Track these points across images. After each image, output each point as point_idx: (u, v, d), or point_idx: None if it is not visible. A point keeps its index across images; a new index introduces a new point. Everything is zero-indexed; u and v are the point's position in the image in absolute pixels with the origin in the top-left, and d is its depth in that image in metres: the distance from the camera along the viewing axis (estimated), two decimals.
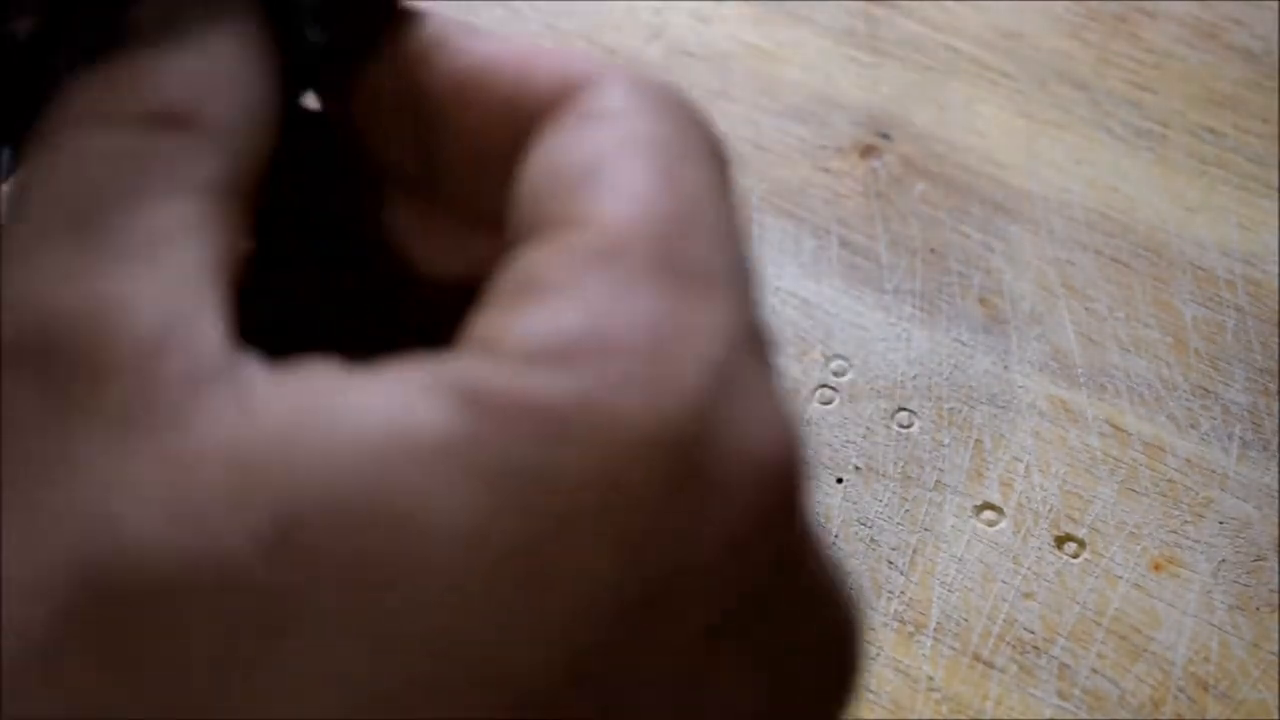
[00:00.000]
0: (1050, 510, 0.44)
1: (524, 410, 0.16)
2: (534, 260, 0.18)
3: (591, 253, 0.17)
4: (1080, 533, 0.44)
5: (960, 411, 0.46)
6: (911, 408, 0.46)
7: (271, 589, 0.16)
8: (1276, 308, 0.48)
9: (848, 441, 0.46)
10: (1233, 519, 0.44)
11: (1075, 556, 0.44)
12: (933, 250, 0.49)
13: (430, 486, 0.16)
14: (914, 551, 0.43)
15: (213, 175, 0.19)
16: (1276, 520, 0.44)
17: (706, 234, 0.18)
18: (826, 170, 0.51)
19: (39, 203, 0.18)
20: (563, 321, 0.17)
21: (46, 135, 0.19)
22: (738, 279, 0.18)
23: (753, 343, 0.17)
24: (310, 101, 0.23)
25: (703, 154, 0.19)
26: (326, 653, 0.16)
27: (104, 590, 0.16)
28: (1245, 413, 0.46)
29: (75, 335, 0.17)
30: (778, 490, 0.17)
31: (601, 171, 0.18)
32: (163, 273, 0.18)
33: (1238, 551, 0.44)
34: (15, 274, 0.17)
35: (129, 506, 0.16)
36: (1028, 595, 0.43)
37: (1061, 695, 0.41)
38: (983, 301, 0.48)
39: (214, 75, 0.20)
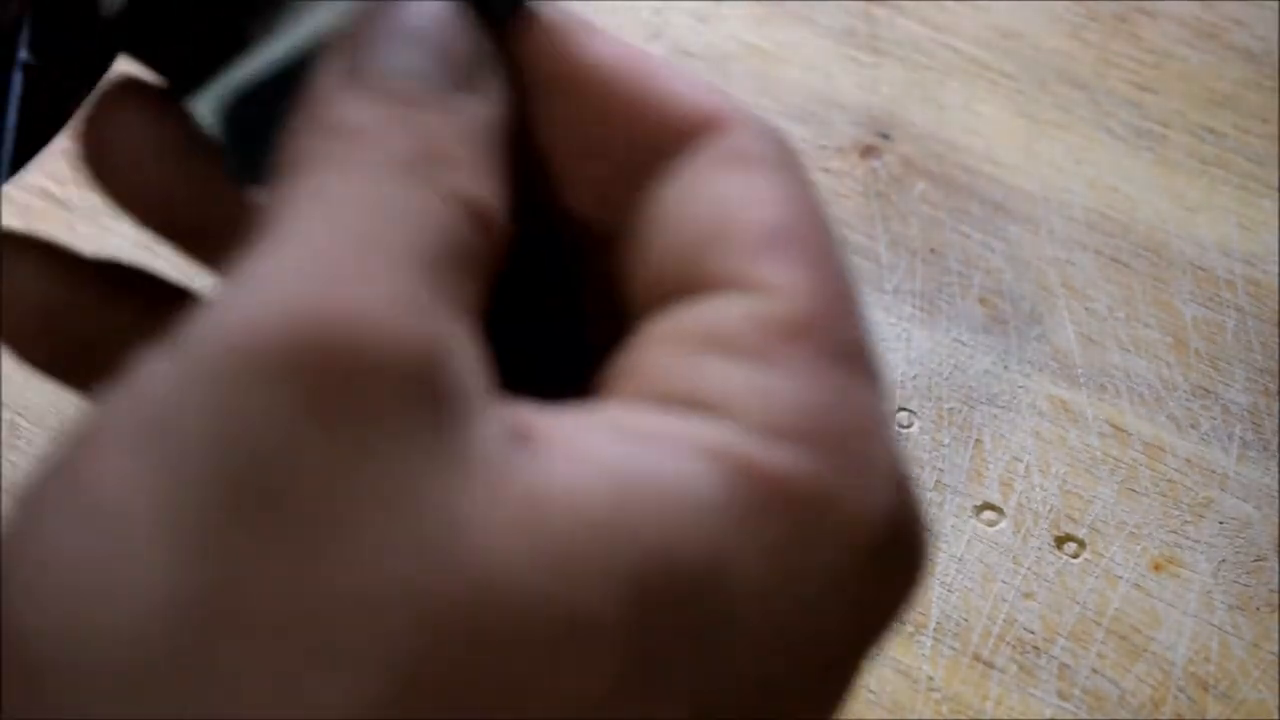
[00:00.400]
0: (1050, 510, 0.44)
1: (786, 491, 0.18)
2: (723, 316, 0.19)
3: (786, 326, 0.19)
4: (1080, 533, 0.44)
5: (960, 411, 0.46)
6: (911, 408, 0.46)
7: (628, 645, 0.17)
8: (1276, 308, 0.48)
9: None
10: (1233, 519, 0.44)
11: (1075, 556, 0.44)
12: (933, 250, 0.49)
13: (731, 553, 0.17)
14: None
15: (475, 239, 0.19)
16: (1276, 520, 0.44)
17: (859, 311, 0.20)
18: (826, 170, 0.51)
19: (322, 219, 0.18)
20: (788, 399, 0.18)
21: (311, 157, 0.19)
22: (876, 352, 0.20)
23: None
24: None
25: (825, 218, 0.21)
26: (670, 706, 0.17)
27: (449, 626, 0.16)
28: (1245, 413, 0.46)
29: (405, 367, 0.17)
30: (924, 558, 0.20)
31: (777, 238, 0.19)
32: (456, 312, 0.18)
33: (1238, 551, 0.44)
34: (330, 286, 0.17)
35: (480, 546, 0.16)
36: (1028, 595, 0.43)
37: (1061, 695, 0.41)
38: (983, 301, 0.48)
39: (472, 130, 0.20)
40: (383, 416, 0.16)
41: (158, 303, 0.24)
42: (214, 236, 0.23)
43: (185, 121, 0.23)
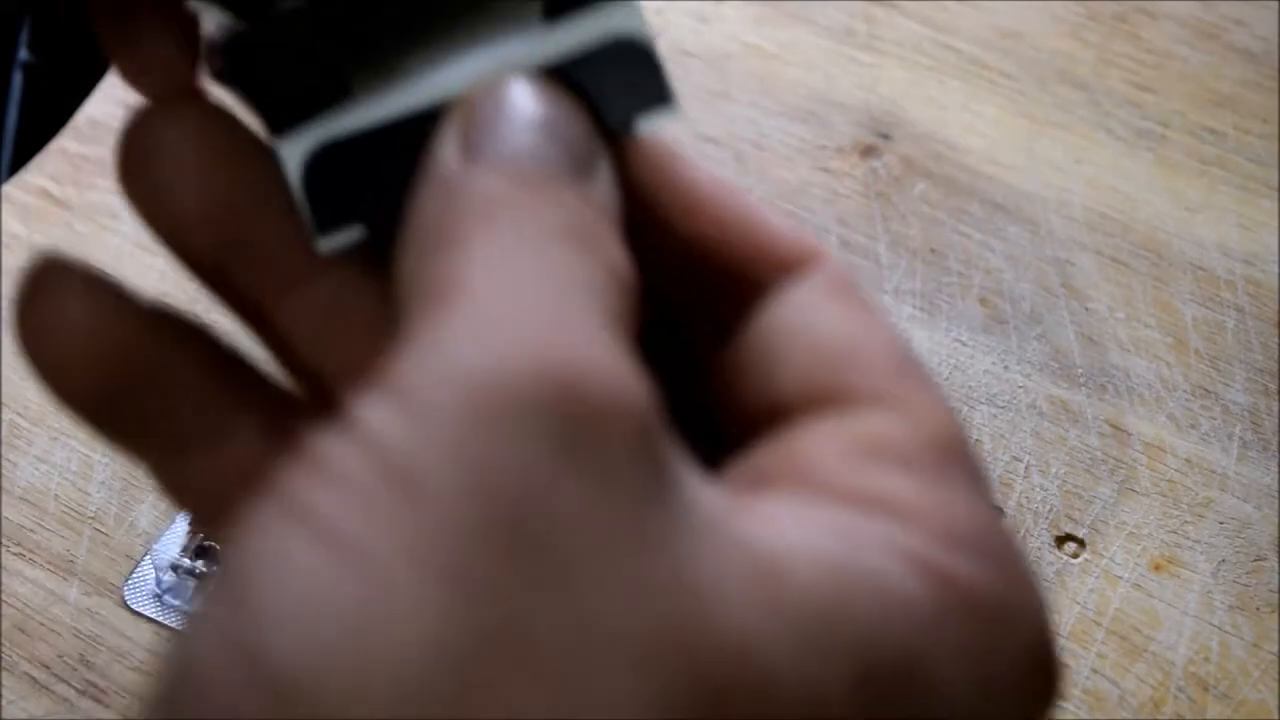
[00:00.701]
0: (1050, 510, 0.44)
1: (973, 598, 0.20)
2: (885, 430, 0.21)
3: (942, 445, 0.21)
4: (1080, 533, 0.44)
5: (960, 411, 0.46)
6: None
7: None
8: (1276, 308, 0.48)
9: None
10: (1233, 519, 0.44)
11: (1075, 556, 0.44)
12: (933, 250, 0.49)
13: (931, 651, 0.19)
14: None
15: (621, 299, 0.20)
16: (1276, 520, 0.44)
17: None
18: (826, 170, 0.51)
19: (512, 280, 0.19)
20: (961, 512, 0.20)
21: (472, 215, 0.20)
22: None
23: None
24: None
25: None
26: None
27: (703, 685, 0.17)
28: (1245, 413, 0.46)
29: (633, 420, 0.18)
30: None
31: (906, 363, 0.22)
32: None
33: (1238, 551, 0.44)
34: (516, 331, 0.18)
35: (724, 613, 0.18)
36: None
37: (1061, 695, 0.41)
38: (983, 301, 0.48)
39: (602, 209, 0.21)
40: (622, 466, 0.18)
41: (209, 355, 0.23)
42: (244, 265, 0.23)
43: (233, 132, 0.23)
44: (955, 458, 0.21)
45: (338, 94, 0.23)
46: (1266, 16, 0.54)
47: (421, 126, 0.23)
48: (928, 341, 0.48)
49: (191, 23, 0.24)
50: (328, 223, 0.23)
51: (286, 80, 0.24)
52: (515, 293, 0.19)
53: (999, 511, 0.22)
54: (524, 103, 0.22)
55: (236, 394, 0.23)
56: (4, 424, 0.47)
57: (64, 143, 0.52)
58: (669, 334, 0.25)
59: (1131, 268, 0.49)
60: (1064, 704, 0.41)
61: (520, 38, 0.23)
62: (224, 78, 0.24)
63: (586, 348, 0.18)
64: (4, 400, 0.47)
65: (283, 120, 0.24)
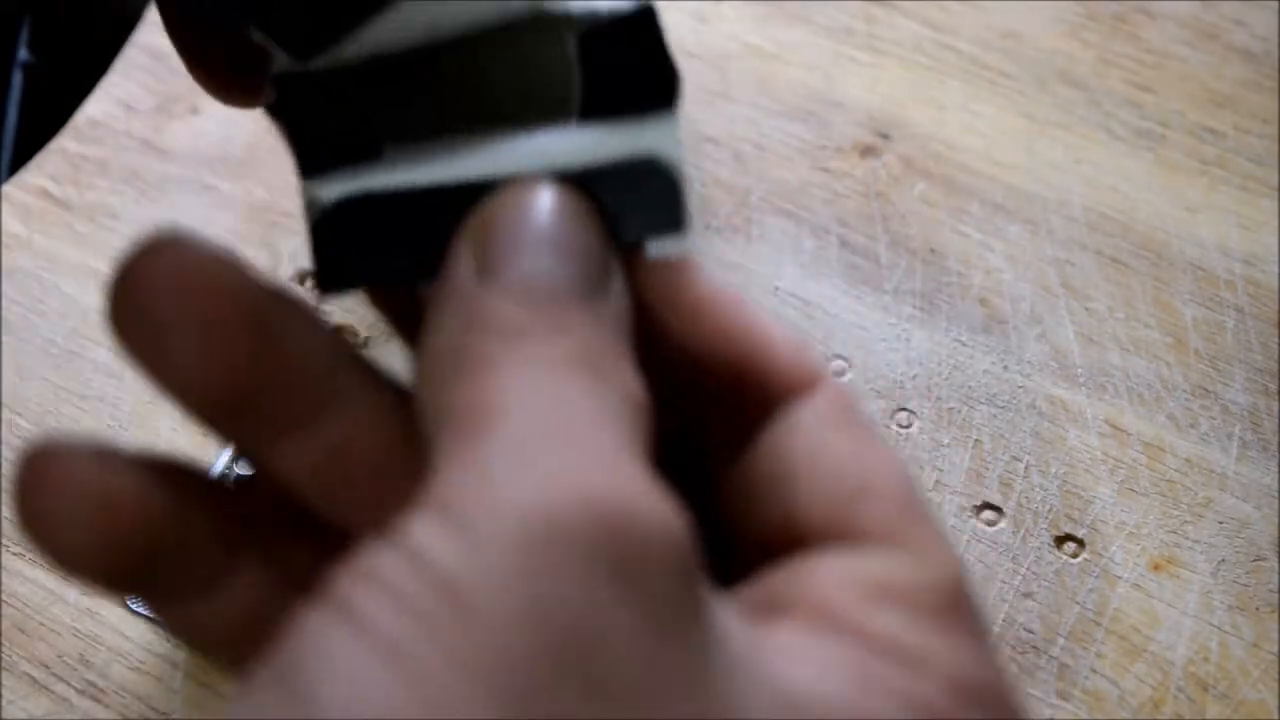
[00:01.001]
0: (1050, 510, 0.44)
1: None
2: (895, 572, 0.22)
3: (951, 595, 0.22)
4: (1080, 532, 0.44)
5: (960, 411, 0.46)
6: (911, 408, 0.46)
7: None
8: (1276, 308, 0.48)
9: None
10: (1233, 519, 0.44)
11: (1075, 556, 0.44)
12: (933, 250, 0.49)
13: None
14: None
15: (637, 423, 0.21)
16: (1276, 520, 0.44)
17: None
18: (826, 170, 0.51)
19: (540, 414, 0.20)
20: (970, 664, 0.21)
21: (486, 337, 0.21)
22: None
23: None
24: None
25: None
26: None
27: None
28: (1245, 413, 0.46)
29: (672, 550, 0.19)
30: None
31: (913, 503, 0.23)
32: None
33: (1238, 551, 0.44)
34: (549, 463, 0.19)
35: None
36: (1027, 595, 0.43)
37: (1061, 695, 0.41)
38: (983, 301, 0.48)
39: (613, 328, 0.22)
40: (666, 599, 0.19)
41: (212, 505, 0.23)
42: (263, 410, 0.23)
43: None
44: (961, 603, 0.22)
45: (369, 152, 0.24)
46: (1266, 16, 0.54)
47: (440, 201, 0.24)
48: (928, 341, 0.48)
49: (260, 52, 0.25)
50: (329, 274, 0.24)
51: (323, 126, 0.24)
52: (546, 421, 0.20)
53: (999, 657, 0.23)
54: (541, 220, 0.22)
55: (239, 538, 0.23)
56: (4, 424, 0.47)
57: (64, 143, 0.52)
58: (681, 448, 0.25)
59: (1131, 268, 0.49)
60: (1064, 704, 0.41)
61: (553, 134, 0.24)
62: (271, 109, 0.24)
63: (627, 482, 0.19)
64: (4, 400, 0.47)
65: (312, 163, 0.24)
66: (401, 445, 0.22)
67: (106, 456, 0.22)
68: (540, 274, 0.21)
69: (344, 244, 0.24)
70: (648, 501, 0.19)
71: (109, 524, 0.21)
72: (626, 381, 0.21)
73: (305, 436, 0.22)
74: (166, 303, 0.21)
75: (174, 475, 0.22)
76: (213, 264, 0.21)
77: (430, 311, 0.22)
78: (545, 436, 0.20)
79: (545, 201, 0.22)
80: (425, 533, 0.19)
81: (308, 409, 0.22)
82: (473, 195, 0.23)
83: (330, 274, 0.24)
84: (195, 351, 0.21)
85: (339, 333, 0.34)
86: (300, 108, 0.24)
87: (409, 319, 0.25)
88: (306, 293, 0.46)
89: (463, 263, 0.22)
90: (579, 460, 0.19)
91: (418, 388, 0.22)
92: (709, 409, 0.25)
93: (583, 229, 0.22)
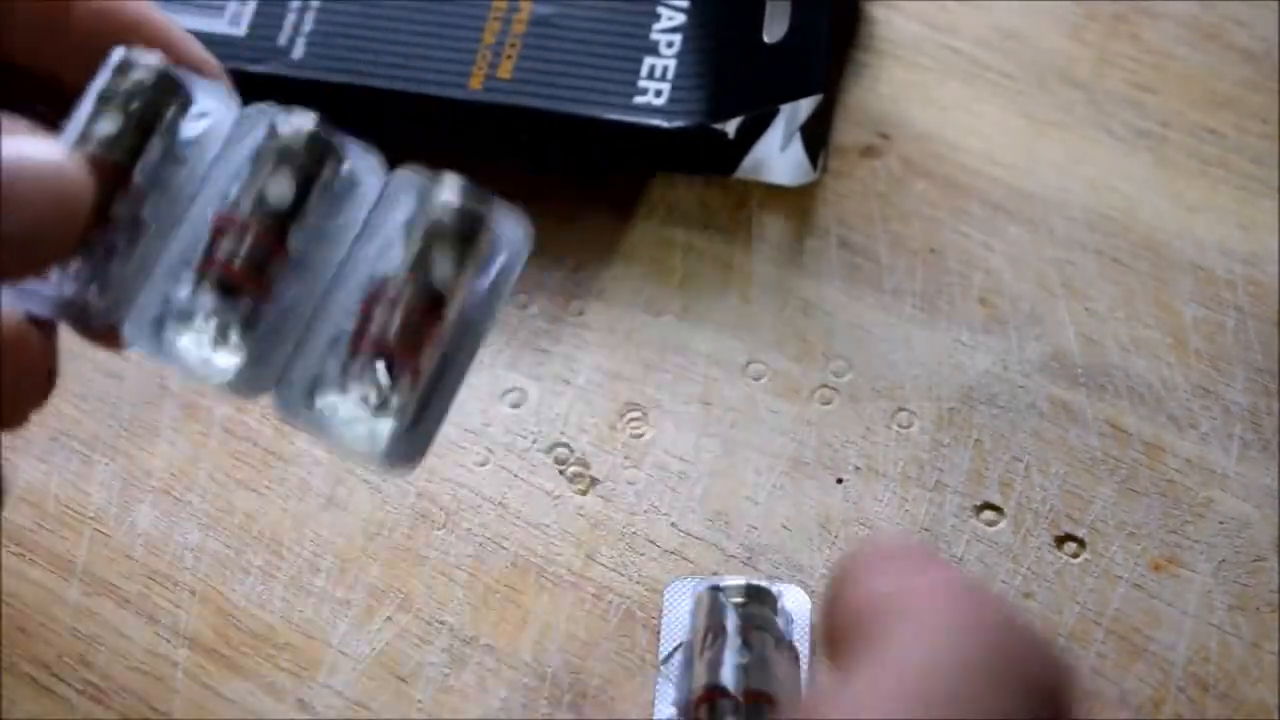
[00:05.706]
0: (1050, 510, 0.44)
1: None
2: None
3: None
4: (1080, 532, 0.44)
5: (960, 411, 0.46)
6: (911, 408, 0.46)
7: None
8: (1276, 308, 0.48)
9: (848, 441, 0.46)
10: (1233, 519, 0.44)
11: (1075, 556, 0.44)
12: (933, 250, 0.49)
13: None
14: None
15: None
16: (1276, 520, 0.44)
17: None
18: (826, 170, 0.51)
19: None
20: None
21: None
22: None
23: None
24: None
25: None
26: None
27: None
28: (1245, 413, 0.46)
29: None
30: None
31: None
32: None
33: (1238, 551, 0.44)
34: None
35: None
36: (1028, 595, 0.43)
37: None
38: (983, 301, 0.48)
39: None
40: None
41: None
42: None
43: None
44: None
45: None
46: (1266, 16, 0.54)
47: None
48: (928, 341, 0.48)
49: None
50: None
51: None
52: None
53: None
54: None
55: None
56: None
57: None
58: None
59: (1131, 268, 0.49)
60: None
61: None
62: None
63: None
64: None
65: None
66: None
67: None
68: None
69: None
70: None
71: None
72: None
73: None
74: None
75: None
76: None
77: None
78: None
79: None
80: None
81: None
82: None
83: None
84: None
85: None
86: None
87: None
88: None
89: None
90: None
91: None
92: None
93: None
